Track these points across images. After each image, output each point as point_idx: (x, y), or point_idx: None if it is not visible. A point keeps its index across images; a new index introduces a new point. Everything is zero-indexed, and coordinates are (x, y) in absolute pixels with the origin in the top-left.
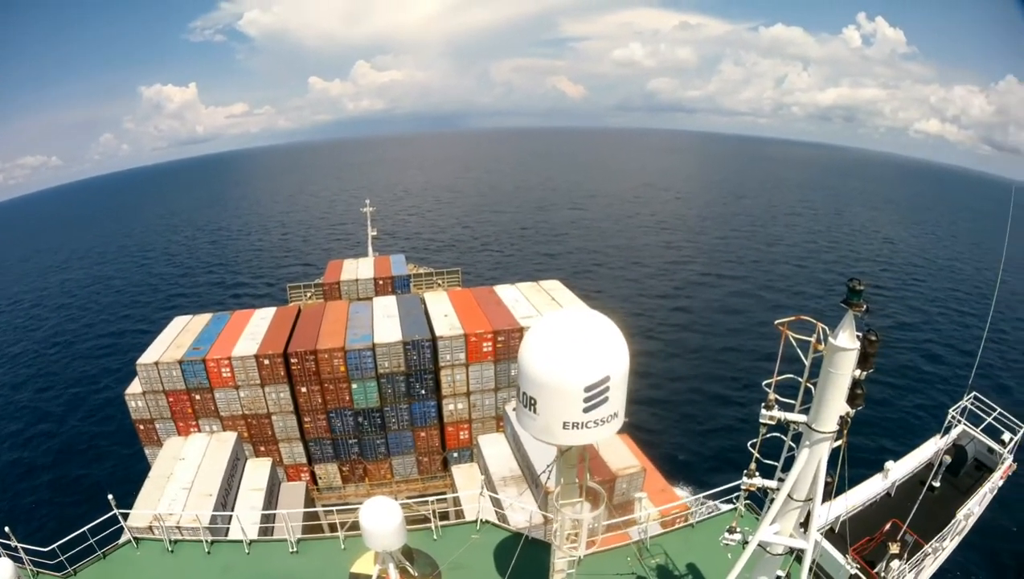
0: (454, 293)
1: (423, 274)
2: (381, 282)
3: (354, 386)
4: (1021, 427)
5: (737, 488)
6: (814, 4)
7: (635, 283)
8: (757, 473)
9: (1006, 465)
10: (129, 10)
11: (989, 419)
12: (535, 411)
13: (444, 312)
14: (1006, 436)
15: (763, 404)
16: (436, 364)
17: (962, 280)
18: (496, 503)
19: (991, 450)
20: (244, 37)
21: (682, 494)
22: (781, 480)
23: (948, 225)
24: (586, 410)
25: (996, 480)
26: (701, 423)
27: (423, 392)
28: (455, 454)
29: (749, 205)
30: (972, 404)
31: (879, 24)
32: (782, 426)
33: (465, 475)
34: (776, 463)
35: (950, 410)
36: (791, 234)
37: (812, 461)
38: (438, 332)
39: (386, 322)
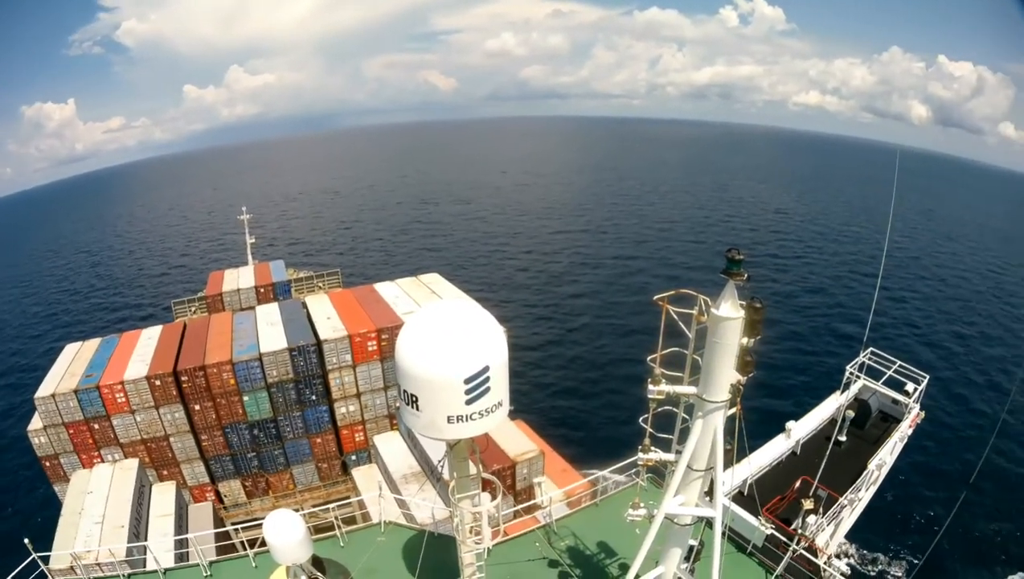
0: (335, 295)
1: (303, 278)
2: (262, 290)
3: (245, 398)
4: (924, 377)
5: (637, 464)
6: None
7: (524, 271)
8: (653, 448)
9: (913, 414)
10: (8, 27)
11: (889, 372)
12: (418, 408)
13: (327, 314)
14: (910, 387)
15: (649, 379)
16: (323, 368)
17: (854, 242)
18: (401, 503)
19: (895, 401)
20: (121, 48)
21: (586, 474)
22: (679, 452)
23: (837, 191)
24: (469, 402)
25: (905, 429)
26: (601, 401)
27: (313, 398)
28: (353, 457)
29: (633, 185)
30: (870, 359)
31: (757, 3)
32: (674, 400)
33: (365, 477)
34: (671, 436)
35: (847, 367)
36: (679, 212)
37: (707, 431)
38: (322, 335)
39: (270, 330)
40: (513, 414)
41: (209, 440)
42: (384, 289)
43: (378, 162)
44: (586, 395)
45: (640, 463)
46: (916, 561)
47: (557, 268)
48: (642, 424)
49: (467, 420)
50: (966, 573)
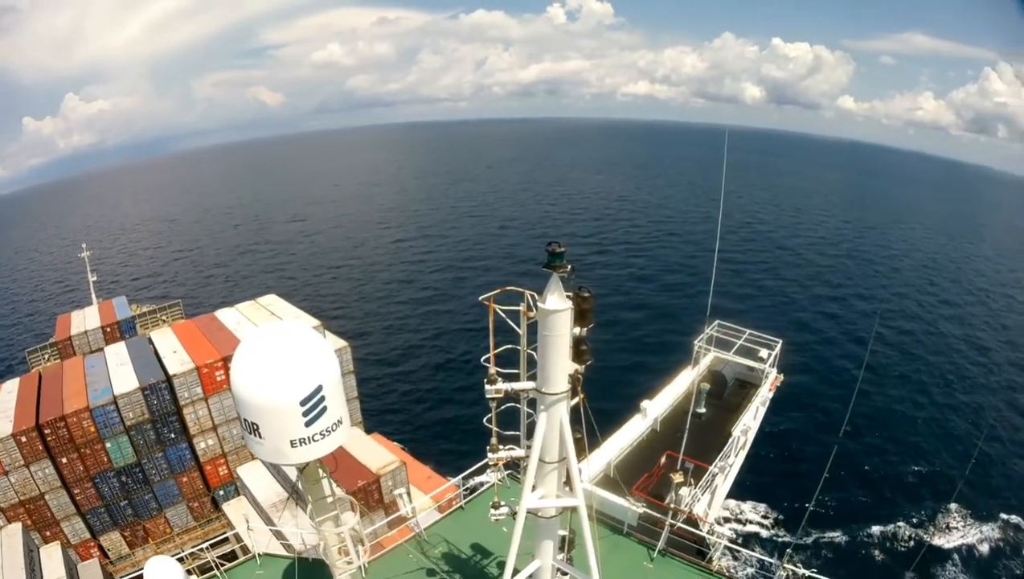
0: (178, 327)
1: (147, 313)
2: (108, 329)
3: (108, 445)
4: (777, 341)
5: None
6: None
7: (369, 283)
8: (501, 446)
9: (771, 378)
10: None
11: (740, 341)
12: (260, 436)
13: (172, 348)
14: (763, 353)
15: (485, 380)
16: (177, 404)
17: (694, 220)
18: (277, 533)
19: (751, 369)
20: None
21: (450, 479)
22: (529, 447)
23: (678, 174)
24: (308, 424)
25: (765, 394)
26: (459, 404)
27: (172, 436)
28: (221, 492)
29: (470, 187)
30: (718, 332)
31: (586, 0)
32: (516, 397)
33: (236, 511)
34: (518, 432)
35: (695, 341)
36: (520, 209)
37: (553, 423)
38: (171, 370)
39: (121, 371)
40: (371, 428)
41: (82, 493)
42: (225, 316)
43: (213, 185)
44: (444, 400)
45: (491, 463)
46: (804, 508)
47: (402, 276)
48: (486, 424)
49: (310, 442)
50: (845, 520)
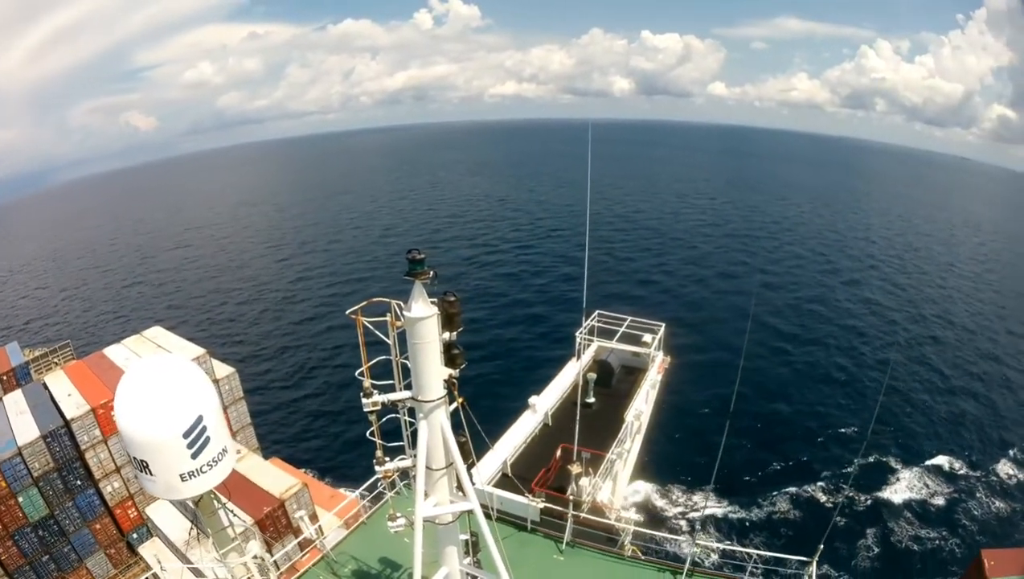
0: (70, 368)
1: (39, 357)
2: (5, 377)
3: (20, 499)
4: (660, 325)
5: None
6: None
7: (255, 303)
8: (387, 458)
9: (659, 361)
10: None
11: (622, 329)
12: (151, 473)
13: (67, 391)
14: (647, 337)
15: (362, 393)
16: (78, 448)
17: (578, 213)
18: (195, 571)
19: (636, 354)
20: None
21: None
22: (415, 456)
23: (559, 170)
24: (194, 456)
25: (653, 377)
26: (354, 419)
27: (79, 483)
28: (135, 535)
29: (349, 200)
30: (599, 322)
31: (452, 4)
32: (395, 407)
33: (151, 552)
34: (402, 442)
35: (577, 334)
36: (402, 218)
37: (434, 430)
38: (68, 414)
39: (21, 420)
40: (271, 452)
41: (5, 552)
42: (114, 353)
43: (93, 217)
44: (341, 415)
45: (380, 475)
46: (708, 483)
47: (291, 295)
48: (370, 438)
49: (199, 474)
50: (751, 489)
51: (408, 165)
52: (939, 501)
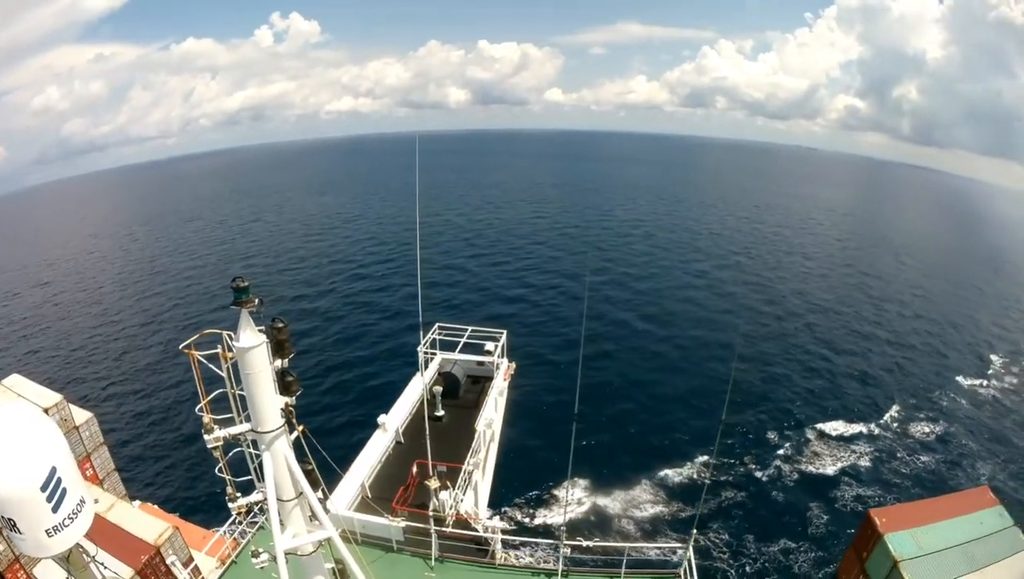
0: None
1: None
2: None
3: None
4: (501, 332)
5: (247, 512)
6: (227, 11)
7: (122, 344)
8: (239, 494)
9: (504, 368)
10: None
11: (464, 339)
12: (20, 531)
13: None
14: (489, 346)
15: (203, 430)
16: None
17: (409, 230)
18: None
19: (480, 363)
20: None
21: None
22: (264, 490)
23: (395, 186)
24: (55, 509)
25: (500, 385)
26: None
27: None
28: None
29: (200, 226)
30: (439, 334)
31: (293, 19)
32: (237, 441)
33: None
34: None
35: (419, 348)
36: (257, 244)
37: (278, 460)
38: None
39: None
40: (139, 497)
41: None
42: None
43: None
44: (206, 454)
45: (234, 511)
46: (569, 483)
47: (155, 329)
48: (219, 474)
49: (62, 528)
50: (610, 484)
51: (254, 187)
52: (809, 470)
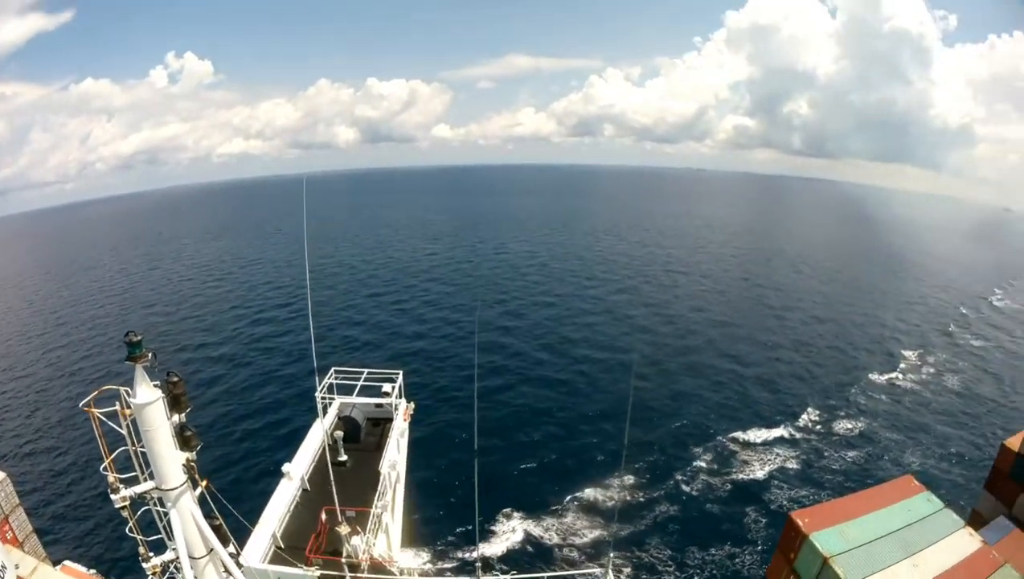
0: None
1: None
2: None
3: None
4: (397, 373)
5: (162, 572)
6: (124, 50)
7: (30, 400)
8: (151, 554)
9: (403, 408)
10: None
11: (360, 382)
12: None
13: None
14: (386, 387)
15: (109, 489)
16: None
17: (289, 274)
18: None
19: (379, 405)
20: None
21: None
22: (176, 549)
23: (288, 229)
24: None
25: (401, 425)
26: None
27: None
28: None
29: (100, 274)
30: (336, 378)
31: (187, 60)
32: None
33: None
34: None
35: (316, 394)
36: (158, 293)
37: (185, 517)
38: None
39: None
40: (61, 556)
41: None
42: None
43: None
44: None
45: (149, 573)
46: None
47: (56, 384)
48: (129, 534)
49: None
50: (521, 512)
51: (150, 234)
52: (739, 477)
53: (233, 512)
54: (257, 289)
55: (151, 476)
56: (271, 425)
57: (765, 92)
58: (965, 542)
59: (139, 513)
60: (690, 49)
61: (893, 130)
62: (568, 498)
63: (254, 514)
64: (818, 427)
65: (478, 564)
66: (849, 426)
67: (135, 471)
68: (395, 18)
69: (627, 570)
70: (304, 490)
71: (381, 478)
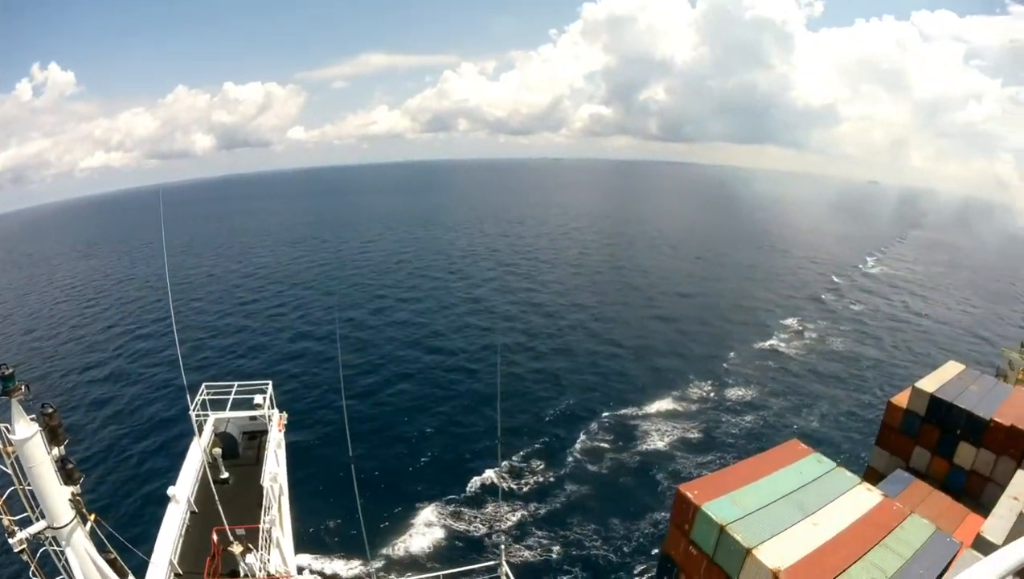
0: None
1: None
2: None
3: None
4: (267, 383)
5: None
6: None
7: None
8: None
9: (276, 419)
10: None
11: (232, 396)
12: None
13: None
14: (258, 398)
15: (6, 533)
16: None
17: (160, 288)
18: None
19: (253, 418)
20: None
21: None
22: None
23: (157, 243)
24: None
25: (276, 436)
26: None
27: None
28: None
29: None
30: (209, 395)
31: (51, 71)
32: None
33: None
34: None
35: (190, 412)
36: (37, 320)
37: (80, 555)
38: None
39: None
40: None
41: None
42: None
43: None
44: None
45: None
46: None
47: None
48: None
49: None
50: (407, 513)
51: (22, 256)
52: (645, 449)
53: (126, 544)
54: (133, 304)
55: (42, 515)
56: (159, 446)
57: (622, 80)
58: (864, 497)
59: (37, 555)
60: (546, 42)
61: (754, 113)
62: (453, 493)
63: (148, 542)
64: (704, 399)
65: (373, 566)
66: (740, 393)
67: (27, 511)
68: (252, 19)
69: (524, 554)
70: (192, 512)
71: (265, 492)
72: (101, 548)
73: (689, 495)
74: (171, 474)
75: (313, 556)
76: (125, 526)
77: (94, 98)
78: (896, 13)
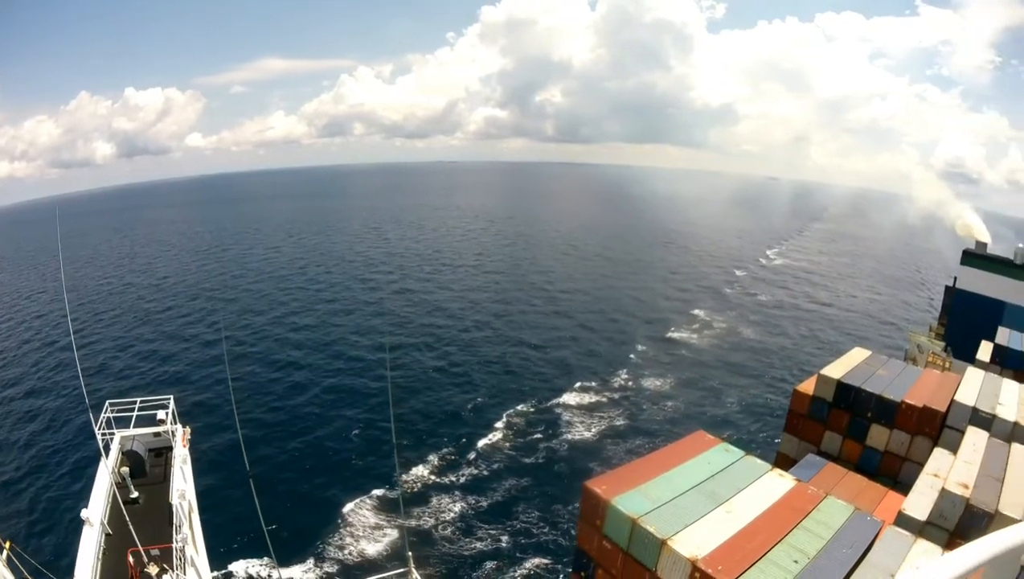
0: None
1: None
2: None
3: None
4: (168, 398)
5: None
6: None
7: None
8: None
9: (180, 434)
10: None
11: (135, 413)
12: None
13: None
14: (160, 414)
15: None
16: None
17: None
18: None
19: (157, 434)
20: None
21: None
22: None
23: (67, 256)
24: None
25: (181, 452)
26: None
27: None
28: None
29: None
30: (113, 412)
31: None
32: None
33: None
34: None
35: (95, 429)
36: None
37: None
38: None
39: None
40: None
41: None
42: None
43: None
44: None
45: None
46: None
47: None
48: None
49: None
50: (313, 523)
51: None
52: (573, 438)
53: (43, 571)
54: (39, 321)
55: None
56: (72, 467)
57: (518, 83)
58: (777, 483)
59: None
60: (443, 45)
61: (652, 113)
62: (357, 499)
63: (67, 567)
64: (619, 388)
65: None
66: (652, 384)
67: None
68: (154, 21)
69: (433, 559)
70: (108, 534)
71: (174, 510)
72: (19, 576)
73: (598, 491)
74: (84, 493)
75: (228, 572)
76: (41, 552)
77: (3, 106)
78: (800, 15)
